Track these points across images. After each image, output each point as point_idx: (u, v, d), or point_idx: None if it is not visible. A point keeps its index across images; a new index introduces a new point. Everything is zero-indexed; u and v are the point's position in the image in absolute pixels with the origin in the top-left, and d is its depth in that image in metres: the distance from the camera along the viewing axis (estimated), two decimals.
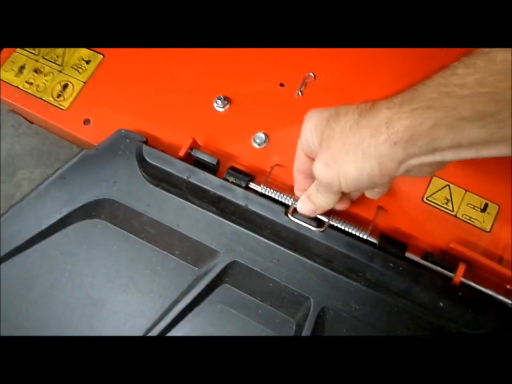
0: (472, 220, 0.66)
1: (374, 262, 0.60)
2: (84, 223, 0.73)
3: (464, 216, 0.66)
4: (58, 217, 0.72)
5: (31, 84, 0.85)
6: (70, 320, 0.70)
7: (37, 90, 0.85)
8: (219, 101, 0.77)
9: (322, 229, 0.62)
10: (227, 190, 0.67)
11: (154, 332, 0.67)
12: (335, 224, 0.63)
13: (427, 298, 0.58)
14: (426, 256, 0.60)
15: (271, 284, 0.66)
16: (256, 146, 0.74)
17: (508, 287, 0.62)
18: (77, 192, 0.73)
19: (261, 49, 0.80)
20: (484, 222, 0.66)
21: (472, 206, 0.67)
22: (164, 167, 0.70)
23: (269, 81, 0.78)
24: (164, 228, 0.70)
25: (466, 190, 0.68)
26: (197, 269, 0.69)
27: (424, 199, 0.68)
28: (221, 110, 0.77)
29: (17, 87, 0.85)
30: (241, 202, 0.66)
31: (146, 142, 0.73)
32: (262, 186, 0.67)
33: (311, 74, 0.78)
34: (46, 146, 1.20)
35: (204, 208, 0.68)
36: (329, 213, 0.64)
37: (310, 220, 0.63)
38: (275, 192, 0.66)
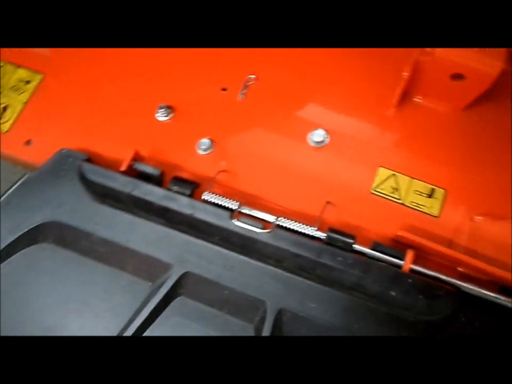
0: (419, 206, 0.66)
1: (323, 258, 0.59)
2: (31, 249, 0.71)
3: (412, 203, 0.66)
4: (2, 246, 0.69)
5: None
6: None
7: None
8: (162, 110, 0.76)
9: (269, 230, 0.61)
10: (171, 200, 0.66)
11: None
12: (282, 224, 0.62)
13: (378, 288, 0.58)
14: (375, 246, 0.60)
15: (226, 292, 0.64)
16: (202, 152, 0.73)
17: (460, 269, 0.62)
18: (21, 218, 0.70)
19: (201, 55, 0.79)
20: (432, 207, 0.66)
21: (419, 193, 0.67)
22: (106, 183, 0.68)
23: (211, 86, 0.78)
24: (114, 246, 0.67)
25: (412, 178, 0.68)
26: (150, 283, 0.68)
27: (372, 190, 0.68)
28: (164, 119, 0.76)
29: None
30: (187, 211, 0.65)
31: (88, 160, 0.71)
32: (206, 193, 0.66)
33: (253, 76, 0.78)
34: None
35: (151, 221, 0.66)
36: (275, 212, 0.63)
37: (256, 222, 0.62)
38: (220, 197, 0.65)
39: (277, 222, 0.62)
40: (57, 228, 0.69)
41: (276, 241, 0.61)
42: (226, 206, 0.65)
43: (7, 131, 0.80)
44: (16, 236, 0.69)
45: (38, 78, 0.84)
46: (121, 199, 0.68)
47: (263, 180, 0.70)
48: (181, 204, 0.65)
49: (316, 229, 0.61)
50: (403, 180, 0.68)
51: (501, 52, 0.61)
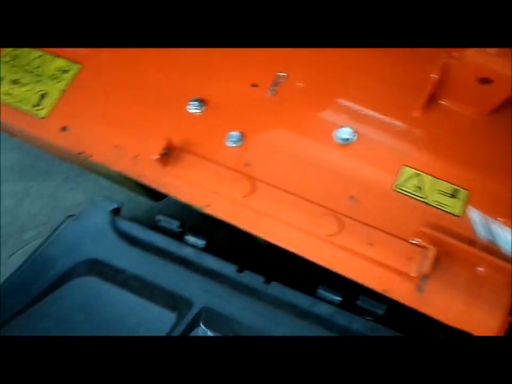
0: (442, 205, 0.67)
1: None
2: (75, 282, 0.81)
3: (435, 202, 0.68)
4: (52, 280, 0.80)
5: (9, 94, 0.87)
6: None
7: (15, 101, 0.86)
8: (194, 103, 0.78)
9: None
10: (187, 252, 0.77)
11: None
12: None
13: None
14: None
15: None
16: (231, 145, 0.75)
17: (480, 269, 0.63)
18: (66, 256, 0.81)
19: (233, 52, 0.82)
20: (454, 207, 0.67)
21: (443, 192, 0.68)
22: (134, 234, 0.79)
23: (242, 82, 0.80)
24: (144, 281, 0.78)
25: (436, 178, 0.69)
26: (175, 314, 0.77)
27: (394, 188, 0.69)
28: (196, 111, 0.79)
29: None
30: (199, 261, 0.75)
31: (119, 209, 0.81)
32: None
33: (283, 74, 0.80)
34: (28, 160, 1.21)
35: (173, 263, 0.76)
36: None
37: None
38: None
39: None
40: (95, 264, 0.80)
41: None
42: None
43: (44, 117, 0.84)
44: (63, 272, 0.81)
45: (75, 68, 0.88)
46: (148, 246, 0.78)
47: (288, 173, 0.72)
48: (195, 255, 0.76)
49: None
50: (427, 179, 0.69)
51: None
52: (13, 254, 1.12)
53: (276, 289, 0.71)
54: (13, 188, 1.19)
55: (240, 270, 0.73)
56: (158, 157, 0.72)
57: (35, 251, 0.84)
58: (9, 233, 1.15)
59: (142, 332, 0.79)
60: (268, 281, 0.72)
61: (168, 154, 0.73)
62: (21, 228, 1.15)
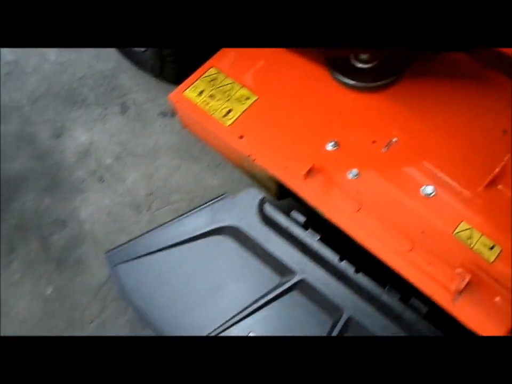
0: (481, 253, 1.03)
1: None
2: (217, 237, 1.23)
3: (477, 250, 1.03)
4: (204, 230, 1.22)
5: (207, 103, 1.29)
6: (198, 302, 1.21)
7: (209, 109, 1.28)
8: (331, 143, 1.17)
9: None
10: (306, 240, 1.15)
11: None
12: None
13: None
14: None
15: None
16: (352, 177, 1.13)
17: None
18: (217, 218, 1.22)
19: (372, 110, 1.21)
20: (489, 256, 1.02)
21: (484, 245, 1.03)
22: (272, 216, 1.18)
23: (367, 136, 1.19)
24: (264, 250, 1.16)
25: (482, 234, 1.05)
26: (279, 278, 1.16)
27: (453, 233, 1.05)
28: (331, 149, 1.18)
29: (196, 104, 1.29)
30: (314, 248, 1.12)
31: (264, 198, 1.19)
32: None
33: (395, 139, 1.18)
34: (183, 145, 1.64)
35: (293, 245, 1.14)
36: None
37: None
38: None
39: None
40: (236, 230, 1.20)
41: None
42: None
43: (228, 126, 1.25)
44: (212, 228, 1.21)
45: (254, 97, 1.29)
46: (279, 228, 1.16)
47: (389, 207, 1.10)
48: (311, 243, 1.13)
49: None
50: (476, 234, 1.05)
51: None
52: (161, 209, 1.54)
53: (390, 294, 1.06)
54: (168, 163, 1.62)
55: (357, 271, 1.09)
56: (304, 172, 1.12)
57: (195, 208, 1.25)
58: (160, 193, 1.58)
59: (249, 283, 1.19)
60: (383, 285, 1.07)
61: (310, 173, 1.13)
62: (169, 192, 1.57)
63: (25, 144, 1.74)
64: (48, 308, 1.46)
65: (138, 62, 1.70)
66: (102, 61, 1.87)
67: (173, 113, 1.68)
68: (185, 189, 1.56)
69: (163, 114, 1.71)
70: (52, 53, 1.93)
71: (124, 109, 1.75)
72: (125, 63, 1.81)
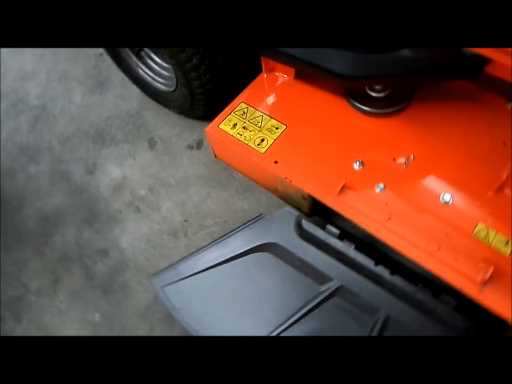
0: (499, 248, 1.19)
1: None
2: (258, 254, 1.38)
3: (495, 246, 1.19)
4: (245, 248, 1.37)
5: (241, 135, 1.45)
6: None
7: (245, 139, 1.44)
8: (357, 162, 1.34)
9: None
10: (342, 251, 1.31)
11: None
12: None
13: None
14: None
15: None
16: (379, 191, 1.30)
17: None
18: (257, 237, 1.37)
19: (386, 129, 1.39)
20: (506, 251, 1.19)
21: (500, 241, 1.20)
22: (309, 231, 1.35)
23: (388, 155, 1.36)
24: (303, 262, 1.31)
25: (497, 231, 1.21)
26: (319, 286, 1.30)
27: (473, 234, 1.22)
28: (357, 168, 1.34)
29: (231, 135, 1.45)
30: (350, 256, 1.28)
31: (299, 215, 1.36)
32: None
33: (412, 156, 1.35)
34: (211, 174, 1.79)
35: (330, 255, 1.29)
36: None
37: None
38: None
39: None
40: (275, 246, 1.35)
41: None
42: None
43: (263, 153, 1.41)
44: (253, 246, 1.36)
45: (283, 127, 1.46)
46: (316, 241, 1.31)
47: (412, 213, 1.26)
48: (348, 251, 1.28)
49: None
50: (492, 232, 1.21)
51: None
52: (196, 233, 1.68)
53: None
54: (199, 190, 1.77)
55: (392, 273, 1.24)
56: (338, 189, 1.28)
57: (233, 230, 1.39)
58: (195, 219, 1.71)
59: (291, 293, 1.32)
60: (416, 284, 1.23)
61: (343, 189, 1.29)
62: (203, 217, 1.71)
63: (60, 182, 1.87)
64: (97, 333, 1.55)
65: (164, 100, 1.86)
66: (126, 101, 2.02)
67: (199, 146, 1.84)
68: (217, 213, 1.70)
69: (190, 147, 1.86)
70: (77, 96, 2.08)
71: (151, 144, 1.89)
72: (148, 102, 1.97)
